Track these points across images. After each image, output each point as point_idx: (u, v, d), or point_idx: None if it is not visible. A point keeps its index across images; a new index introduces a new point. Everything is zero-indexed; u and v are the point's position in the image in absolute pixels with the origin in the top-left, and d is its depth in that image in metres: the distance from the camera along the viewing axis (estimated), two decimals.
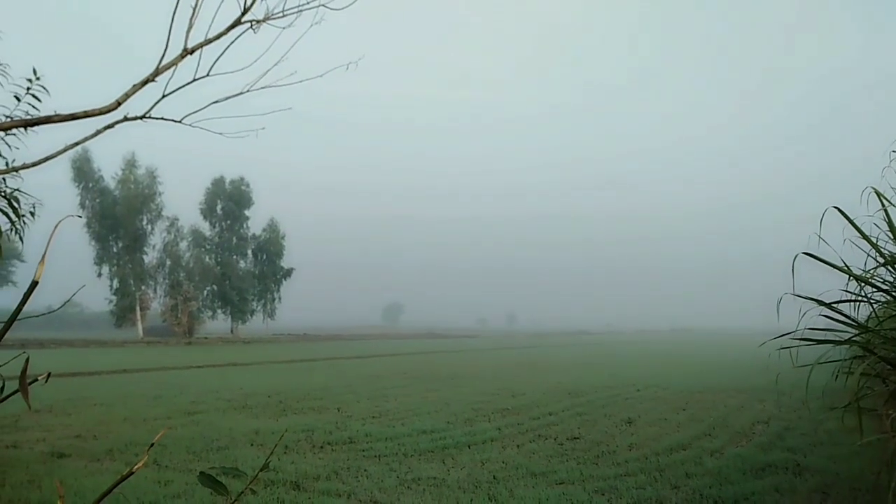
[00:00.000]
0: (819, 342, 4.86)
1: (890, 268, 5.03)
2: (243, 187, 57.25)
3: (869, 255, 5.03)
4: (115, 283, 50.06)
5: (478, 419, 9.61)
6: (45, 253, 3.38)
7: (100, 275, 49.85)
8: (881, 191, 4.80)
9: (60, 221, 3.52)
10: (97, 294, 50.33)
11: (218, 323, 57.71)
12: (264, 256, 59.31)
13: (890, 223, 4.82)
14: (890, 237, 4.87)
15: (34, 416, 9.77)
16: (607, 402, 11.81)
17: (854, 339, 4.84)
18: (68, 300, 4.23)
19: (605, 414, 10.17)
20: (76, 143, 3.90)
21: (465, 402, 11.54)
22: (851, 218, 4.83)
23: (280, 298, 60.41)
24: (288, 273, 60.49)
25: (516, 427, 8.88)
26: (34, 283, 3.36)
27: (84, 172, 48.70)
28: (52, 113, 3.79)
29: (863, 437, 5.20)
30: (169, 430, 8.47)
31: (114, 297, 50.10)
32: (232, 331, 56.98)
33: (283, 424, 9.10)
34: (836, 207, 4.72)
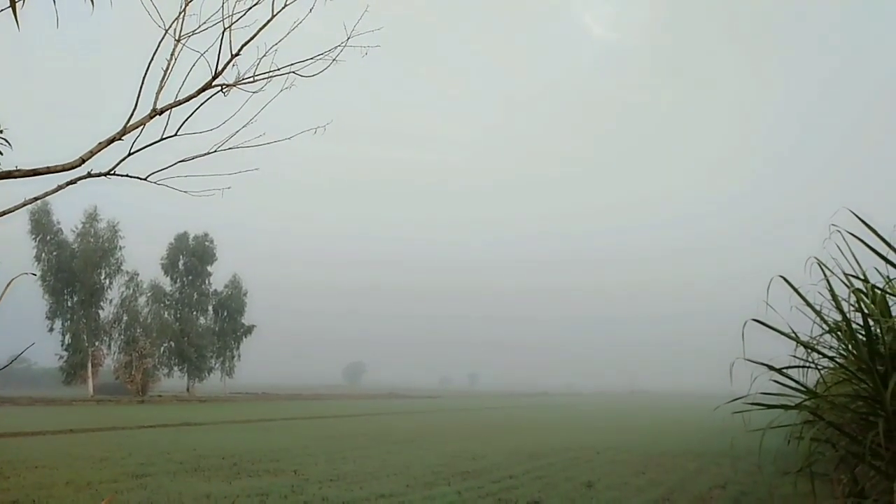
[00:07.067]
0: (770, 406, 4.98)
1: (835, 335, 5.22)
2: (207, 243, 56.47)
3: (815, 322, 5.22)
4: (67, 339, 48.16)
5: (438, 482, 9.43)
6: None
7: (51, 329, 48.01)
8: (822, 260, 5.04)
9: (13, 280, 3.46)
10: (46, 349, 48.20)
11: (173, 381, 55.78)
12: (225, 313, 58.08)
13: (832, 292, 5.04)
14: (833, 305, 5.08)
15: None
16: (567, 464, 11.73)
17: (803, 404, 4.97)
18: (16, 357, 4.10)
19: (565, 477, 10.08)
20: (36, 198, 3.87)
21: (426, 465, 11.32)
22: (796, 287, 5.03)
23: (239, 356, 58.95)
24: (249, 330, 59.19)
25: (476, 491, 8.73)
26: None
27: (42, 225, 47.50)
28: (13, 168, 3.77)
29: (816, 502, 5.27)
30: (114, 496, 8.09)
31: (65, 353, 48.13)
32: (188, 389, 55.04)
33: (236, 488, 8.78)
34: (781, 276, 4.92)
